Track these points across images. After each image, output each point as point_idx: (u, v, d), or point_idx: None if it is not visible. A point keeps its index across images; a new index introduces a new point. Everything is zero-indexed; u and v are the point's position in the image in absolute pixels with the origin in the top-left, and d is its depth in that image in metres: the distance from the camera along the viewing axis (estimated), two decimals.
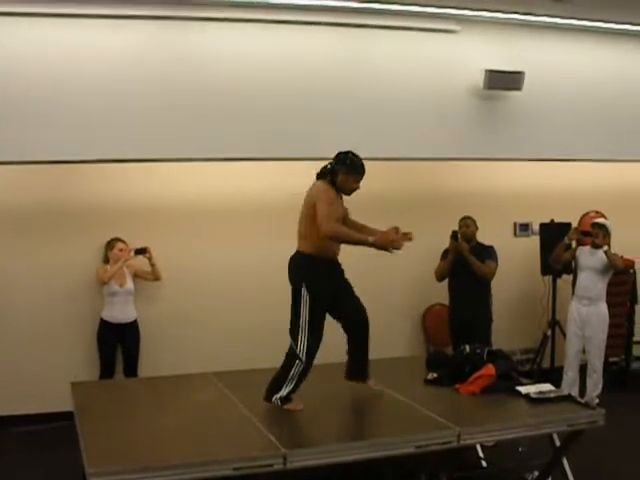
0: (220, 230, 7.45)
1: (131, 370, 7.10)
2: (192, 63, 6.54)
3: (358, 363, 5.34)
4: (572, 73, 7.61)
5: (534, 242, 8.33)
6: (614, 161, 8.10)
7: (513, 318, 8.32)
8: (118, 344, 7.09)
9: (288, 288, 7.38)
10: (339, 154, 5.10)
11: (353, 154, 5.08)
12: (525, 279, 8.45)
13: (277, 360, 5.47)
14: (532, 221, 8.51)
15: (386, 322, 7.78)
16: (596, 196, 8.49)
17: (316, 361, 5.60)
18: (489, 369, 5.33)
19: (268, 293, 7.47)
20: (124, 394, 5.63)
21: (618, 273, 7.53)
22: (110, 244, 7.06)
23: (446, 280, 7.54)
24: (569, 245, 7.56)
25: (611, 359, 8.23)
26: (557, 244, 7.56)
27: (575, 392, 6.97)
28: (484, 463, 5.88)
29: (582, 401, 5.35)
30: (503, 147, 7.52)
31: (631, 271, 8.27)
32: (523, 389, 5.19)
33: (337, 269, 5.23)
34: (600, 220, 7.59)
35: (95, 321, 7.05)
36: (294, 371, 5.03)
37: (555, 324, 8.13)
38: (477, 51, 7.25)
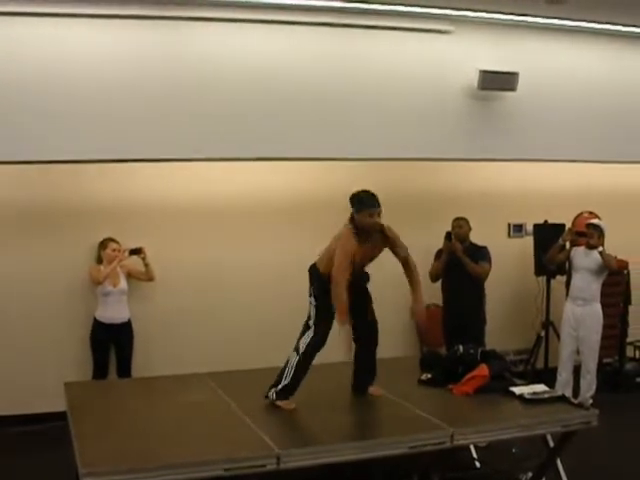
0: (214, 230, 7.44)
1: (124, 370, 7.08)
2: (190, 63, 6.52)
3: (361, 378, 5.37)
4: (566, 74, 7.61)
5: (528, 243, 8.34)
6: (608, 162, 8.10)
7: (507, 319, 8.33)
8: (111, 344, 7.07)
9: (281, 289, 7.42)
10: (350, 198, 5.06)
11: (361, 191, 5.05)
12: (519, 280, 8.45)
13: (270, 360, 5.47)
14: (526, 222, 8.52)
15: (380, 322, 7.76)
16: (590, 197, 8.50)
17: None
18: (483, 369, 5.33)
19: (262, 293, 7.49)
20: (117, 394, 5.62)
21: (612, 274, 7.54)
22: (103, 244, 7.05)
23: (440, 281, 7.54)
24: (563, 246, 7.58)
25: (605, 360, 8.23)
26: (551, 245, 7.57)
27: (569, 393, 6.97)
28: (477, 464, 5.88)
29: (576, 402, 5.35)
30: (497, 148, 7.51)
31: (625, 272, 8.29)
32: (517, 390, 5.19)
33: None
34: (594, 221, 7.60)
35: (88, 321, 7.03)
36: (290, 364, 5.08)
37: (549, 325, 8.14)
38: (471, 51, 7.24)
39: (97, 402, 5.22)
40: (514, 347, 8.36)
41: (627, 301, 8.43)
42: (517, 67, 7.27)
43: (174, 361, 6.89)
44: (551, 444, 5.16)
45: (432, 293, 7.73)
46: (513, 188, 8.41)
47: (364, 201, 4.99)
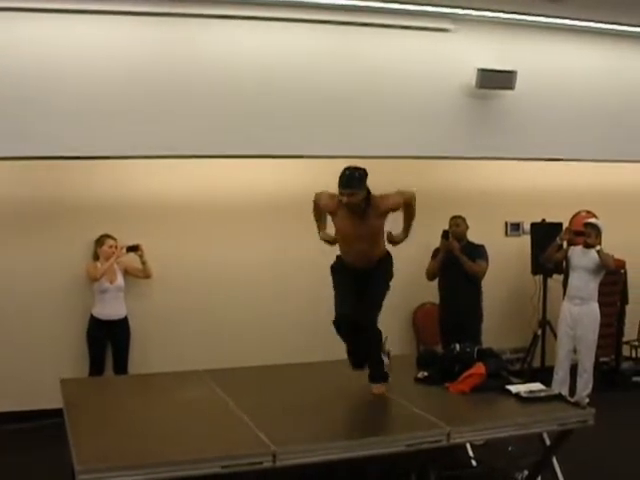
0: (212, 228, 7.43)
1: (121, 367, 7.08)
2: (192, 61, 6.52)
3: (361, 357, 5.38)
4: (565, 73, 7.61)
5: (525, 241, 8.34)
6: (606, 161, 8.11)
7: (504, 317, 8.33)
8: (108, 341, 7.07)
9: (280, 286, 7.42)
10: None
11: (346, 169, 5.08)
12: (516, 278, 8.46)
13: (268, 357, 5.48)
14: (523, 220, 8.52)
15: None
16: (587, 196, 8.51)
17: (305, 359, 5.62)
18: (479, 368, 5.33)
19: (260, 291, 7.49)
20: (114, 391, 5.61)
21: (609, 273, 7.55)
22: (100, 241, 7.04)
23: (437, 279, 7.54)
24: (561, 245, 7.58)
25: (601, 359, 8.25)
26: (548, 244, 7.58)
27: (565, 392, 6.97)
28: (474, 462, 5.88)
29: (572, 400, 5.35)
30: (495, 146, 7.52)
31: (622, 271, 8.29)
32: (513, 388, 5.19)
33: (353, 272, 5.23)
34: (592, 220, 7.62)
35: (85, 318, 7.03)
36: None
37: (545, 324, 8.15)
38: (470, 50, 7.24)
39: (93, 399, 5.21)
40: (511, 346, 8.36)
41: (624, 300, 8.44)
42: (515, 66, 7.28)
43: (171, 358, 6.90)
44: (547, 443, 5.16)
45: (429, 291, 7.75)
46: (511, 187, 8.41)
47: (340, 179, 5.04)
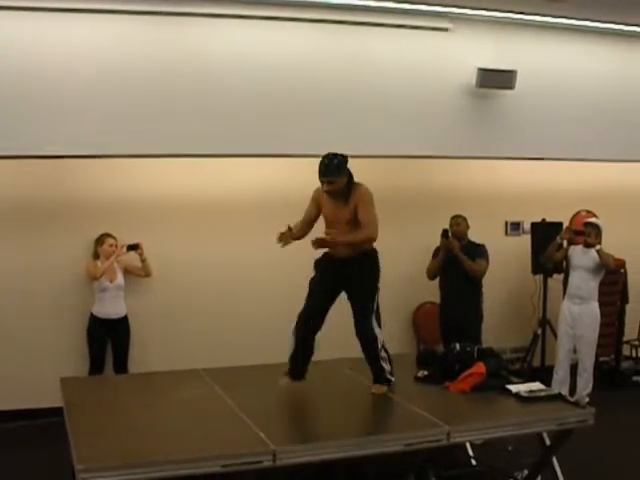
0: (211, 226, 7.43)
1: (121, 366, 7.08)
2: (189, 60, 6.54)
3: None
4: (565, 72, 7.62)
5: (525, 241, 8.34)
6: (606, 160, 8.11)
7: (504, 317, 8.33)
8: (108, 340, 7.07)
9: (279, 285, 7.41)
10: None
11: (325, 156, 5.11)
12: (516, 278, 8.45)
13: (267, 356, 5.47)
14: (523, 220, 8.51)
15: None
16: (587, 195, 8.51)
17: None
18: (479, 367, 5.33)
19: (260, 290, 7.49)
20: (114, 390, 5.62)
21: (609, 272, 7.55)
22: (100, 240, 7.04)
23: (437, 278, 7.54)
24: (561, 244, 7.58)
25: (601, 358, 8.25)
26: (548, 243, 7.58)
27: (565, 391, 6.98)
28: (473, 461, 5.88)
29: (572, 400, 5.35)
30: (495, 146, 7.53)
31: (622, 271, 8.29)
32: (513, 388, 5.18)
33: (332, 265, 5.22)
34: (592, 219, 7.61)
35: (85, 316, 7.03)
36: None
37: (546, 323, 8.14)
38: (470, 49, 7.25)
39: (93, 398, 5.20)
40: (511, 345, 8.37)
41: (624, 300, 8.44)
42: (515, 65, 7.29)
43: (171, 357, 6.90)
44: (547, 442, 5.16)
45: (429, 291, 7.75)
46: (511, 186, 8.41)
47: (319, 168, 5.08)
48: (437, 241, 7.41)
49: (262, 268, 7.47)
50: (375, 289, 5.25)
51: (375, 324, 5.19)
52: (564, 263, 7.75)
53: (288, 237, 5.25)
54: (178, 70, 6.47)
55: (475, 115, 7.43)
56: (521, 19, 7.26)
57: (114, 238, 7.05)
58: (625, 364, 8.54)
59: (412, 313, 8.26)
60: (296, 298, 5.21)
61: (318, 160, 6.82)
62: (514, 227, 8.61)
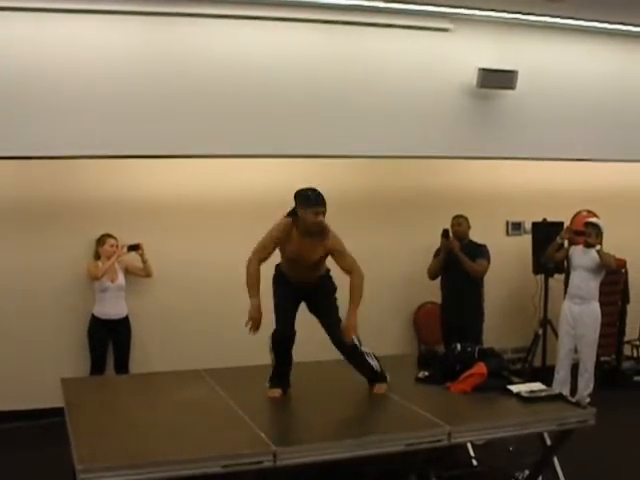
0: (211, 226, 7.44)
1: (122, 366, 7.09)
2: (189, 60, 6.52)
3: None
4: (565, 72, 7.61)
5: (526, 241, 8.33)
6: (607, 160, 8.11)
7: (505, 317, 8.33)
8: (109, 340, 7.08)
9: None
10: (296, 192, 5.09)
11: (306, 189, 5.05)
12: (517, 278, 8.46)
13: (268, 357, 5.47)
14: (524, 220, 8.51)
15: (378, 320, 7.77)
16: (588, 195, 8.50)
17: (307, 358, 5.62)
18: (480, 367, 5.32)
19: (261, 290, 7.47)
20: (115, 390, 5.62)
21: (610, 272, 7.55)
22: (101, 240, 7.05)
23: (438, 278, 7.54)
24: (562, 244, 7.58)
25: (602, 358, 8.25)
26: (549, 243, 7.58)
27: (566, 391, 6.97)
28: (474, 462, 5.88)
29: (573, 400, 5.34)
30: (496, 146, 7.52)
31: (623, 270, 8.29)
32: (514, 388, 5.18)
33: (296, 287, 5.31)
34: (593, 219, 7.61)
35: (86, 317, 7.03)
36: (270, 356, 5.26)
37: (547, 323, 8.14)
38: (471, 50, 7.24)
39: (94, 398, 5.21)
40: (512, 345, 8.37)
41: (625, 300, 8.44)
42: (516, 65, 7.28)
43: (172, 357, 6.90)
44: (548, 442, 5.16)
45: (430, 291, 7.75)
46: (512, 186, 8.41)
47: (311, 199, 4.99)
48: (438, 241, 7.41)
49: (263, 268, 7.46)
50: (336, 300, 5.28)
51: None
52: (565, 263, 7.76)
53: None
54: (178, 71, 6.47)
55: (476, 115, 7.42)
56: (522, 19, 7.25)
57: (115, 238, 7.06)
58: (626, 364, 8.54)
59: (413, 313, 8.26)
60: None
61: (318, 161, 6.84)
62: (515, 227, 8.61)
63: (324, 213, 5.01)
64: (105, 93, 6.29)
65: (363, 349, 5.24)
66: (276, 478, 4.40)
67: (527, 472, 5.40)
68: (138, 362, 7.12)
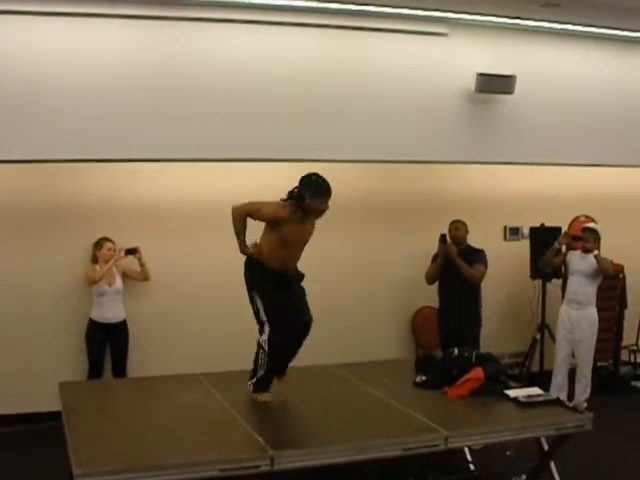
0: (210, 230, 7.41)
1: (120, 370, 7.08)
2: (187, 64, 6.52)
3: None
4: (563, 77, 7.62)
5: (524, 246, 8.34)
6: (605, 166, 8.11)
7: (502, 322, 8.32)
8: (107, 344, 7.07)
9: None
10: (303, 178, 5.20)
11: (315, 177, 5.18)
12: (515, 283, 8.45)
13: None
14: (522, 225, 8.52)
15: (375, 325, 7.79)
16: (586, 200, 8.51)
17: (305, 362, 5.62)
18: (478, 372, 5.33)
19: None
20: (112, 394, 5.63)
21: (608, 278, 7.56)
22: (98, 244, 7.05)
23: (436, 283, 7.55)
24: (559, 249, 7.59)
25: (600, 363, 8.26)
26: (547, 248, 7.58)
27: (563, 396, 6.98)
28: (472, 466, 5.88)
29: (570, 405, 5.36)
30: (494, 151, 7.52)
31: (620, 276, 8.29)
32: (511, 392, 5.19)
33: (284, 280, 5.30)
34: (591, 225, 7.63)
35: (83, 321, 7.03)
36: (261, 359, 5.19)
37: (544, 328, 8.14)
38: (468, 54, 7.25)
39: (92, 402, 5.21)
40: (509, 350, 8.36)
41: (623, 305, 8.45)
42: (514, 70, 7.28)
43: (169, 361, 6.89)
44: (545, 447, 5.17)
45: (427, 296, 7.75)
46: (510, 191, 8.42)
47: (322, 190, 5.15)
48: (436, 246, 7.41)
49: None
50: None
51: (265, 329, 5.21)
52: (562, 268, 7.76)
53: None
54: (178, 75, 6.47)
55: (474, 120, 7.43)
56: (520, 24, 7.26)
57: (113, 242, 7.05)
58: (623, 369, 8.55)
59: (411, 318, 8.26)
60: None
61: (318, 165, 6.82)
62: (513, 232, 8.61)
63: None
64: (105, 98, 6.29)
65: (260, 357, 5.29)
66: None
67: (524, 477, 5.41)
68: (136, 366, 7.11)
